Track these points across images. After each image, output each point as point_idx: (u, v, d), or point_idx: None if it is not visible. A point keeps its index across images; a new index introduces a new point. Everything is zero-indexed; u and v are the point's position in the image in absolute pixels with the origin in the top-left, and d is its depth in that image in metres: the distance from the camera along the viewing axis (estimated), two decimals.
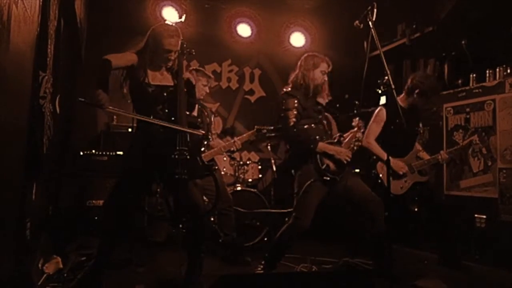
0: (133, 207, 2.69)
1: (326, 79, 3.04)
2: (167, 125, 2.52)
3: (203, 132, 2.71)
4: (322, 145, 2.90)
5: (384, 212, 2.91)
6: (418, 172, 3.49)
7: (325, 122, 3.10)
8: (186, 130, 2.57)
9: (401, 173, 3.37)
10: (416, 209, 3.60)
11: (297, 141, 2.98)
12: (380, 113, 3.48)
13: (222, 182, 3.92)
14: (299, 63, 3.11)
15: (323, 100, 3.11)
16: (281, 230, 2.98)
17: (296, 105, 2.94)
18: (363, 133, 3.06)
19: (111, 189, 2.63)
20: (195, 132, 2.64)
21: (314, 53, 3.09)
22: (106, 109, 2.37)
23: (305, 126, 2.96)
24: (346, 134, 3.03)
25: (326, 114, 3.18)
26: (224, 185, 3.92)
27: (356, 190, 2.96)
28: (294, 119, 2.92)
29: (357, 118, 3.02)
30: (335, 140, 2.99)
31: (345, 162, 2.91)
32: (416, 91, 3.44)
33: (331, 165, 2.90)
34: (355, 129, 3.00)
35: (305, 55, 3.11)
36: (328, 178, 2.88)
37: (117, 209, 2.58)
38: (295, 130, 2.91)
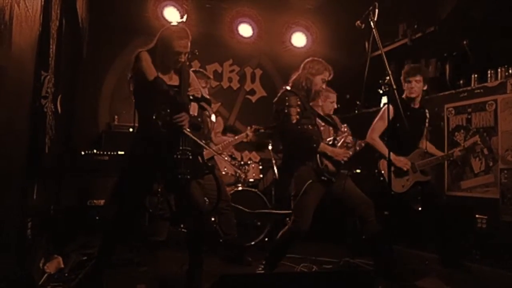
0: (135, 207, 2.69)
1: (324, 87, 3.07)
2: (209, 148, 2.63)
3: (216, 152, 2.73)
4: (323, 146, 2.90)
5: (374, 214, 2.93)
6: (420, 172, 3.49)
7: (320, 125, 3.15)
8: (215, 153, 2.63)
9: (405, 169, 3.38)
10: (419, 209, 3.59)
11: (300, 138, 2.91)
12: (386, 111, 3.49)
13: (222, 181, 3.92)
14: (302, 65, 3.09)
15: (317, 106, 3.18)
16: (281, 232, 2.97)
17: (299, 103, 2.92)
18: (352, 137, 3.08)
19: (112, 189, 2.64)
20: (215, 152, 2.68)
21: (318, 59, 3.08)
22: (185, 130, 2.48)
23: (304, 126, 2.95)
24: (339, 137, 3.04)
25: (323, 116, 3.24)
26: (223, 184, 3.92)
27: (349, 193, 2.99)
28: (297, 116, 2.89)
29: (345, 125, 3.09)
30: (330, 143, 3.01)
31: (342, 162, 2.92)
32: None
33: (330, 165, 2.90)
34: (345, 133, 3.03)
35: (310, 59, 3.10)
36: (326, 179, 2.89)
37: (119, 209, 2.59)
38: (299, 127, 2.89)
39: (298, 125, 2.88)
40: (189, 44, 2.64)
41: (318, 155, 2.89)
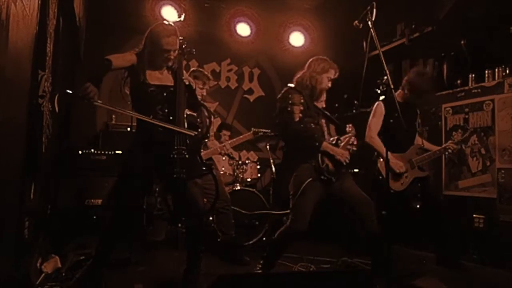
0: (133, 207, 2.69)
1: (329, 85, 3.04)
2: (161, 124, 2.51)
3: (195, 132, 2.65)
4: (325, 145, 2.88)
5: (375, 213, 2.90)
6: (418, 168, 3.49)
7: (323, 124, 3.08)
8: (180, 130, 2.56)
9: (397, 171, 3.37)
10: (418, 206, 3.57)
11: (303, 136, 2.88)
12: (378, 108, 3.51)
13: (220, 181, 3.92)
14: (308, 63, 3.07)
15: (320, 104, 3.10)
16: (279, 231, 2.95)
17: (302, 101, 2.91)
18: (356, 137, 3.05)
19: (111, 189, 2.64)
20: (187, 132, 2.60)
21: (324, 58, 3.07)
22: (95, 102, 2.30)
23: (307, 125, 2.93)
24: (343, 137, 3.02)
25: (327, 115, 3.16)
26: (222, 184, 3.92)
27: (349, 192, 2.96)
28: (300, 114, 2.88)
29: (350, 124, 3.04)
30: (333, 142, 2.98)
31: (344, 163, 2.90)
32: (407, 87, 3.46)
33: (330, 165, 2.89)
34: (350, 134, 3.00)
35: (316, 57, 3.08)
36: (325, 178, 2.87)
37: (117, 209, 2.58)
38: (302, 125, 2.86)
39: (301, 123, 2.86)
40: (177, 41, 2.63)
41: (320, 154, 2.87)
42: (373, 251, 3.01)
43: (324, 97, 3.10)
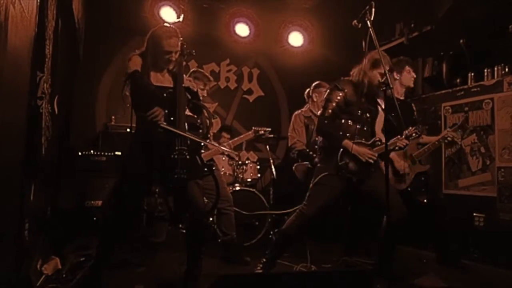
0: (133, 208, 2.69)
1: (382, 80, 2.88)
2: (194, 138, 2.58)
3: (211, 142, 2.70)
4: (346, 143, 2.87)
5: (405, 222, 2.87)
6: (419, 162, 3.48)
7: (368, 120, 3.02)
8: (203, 142, 2.63)
9: (405, 172, 3.36)
10: (425, 200, 3.53)
11: (324, 133, 3.00)
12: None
13: (222, 181, 3.92)
14: (365, 58, 3.00)
15: (382, 101, 3.02)
16: (288, 220, 3.01)
17: (338, 98, 2.93)
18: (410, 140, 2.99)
19: (111, 190, 2.64)
20: (202, 141, 2.65)
21: (377, 52, 3.00)
22: (161, 125, 2.47)
23: (342, 121, 2.96)
24: (392, 140, 2.95)
25: (373, 111, 3.07)
26: (223, 184, 3.91)
27: (380, 191, 2.80)
28: (330, 111, 2.93)
29: (413, 128, 2.94)
30: (369, 142, 2.95)
31: (366, 162, 2.86)
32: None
33: (351, 164, 2.87)
34: (397, 138, 2.94)
35: (372, 53, 2.97)
36: (344, 176, 2.87)
37: (117, 210, 2.58)
38: (325, 122, 2.93)
39: (327, 119, 2.93)
40: (179, 42, 2.65)
41: (340, 151, 2.88)
42: (384, 251, 3.00)
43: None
